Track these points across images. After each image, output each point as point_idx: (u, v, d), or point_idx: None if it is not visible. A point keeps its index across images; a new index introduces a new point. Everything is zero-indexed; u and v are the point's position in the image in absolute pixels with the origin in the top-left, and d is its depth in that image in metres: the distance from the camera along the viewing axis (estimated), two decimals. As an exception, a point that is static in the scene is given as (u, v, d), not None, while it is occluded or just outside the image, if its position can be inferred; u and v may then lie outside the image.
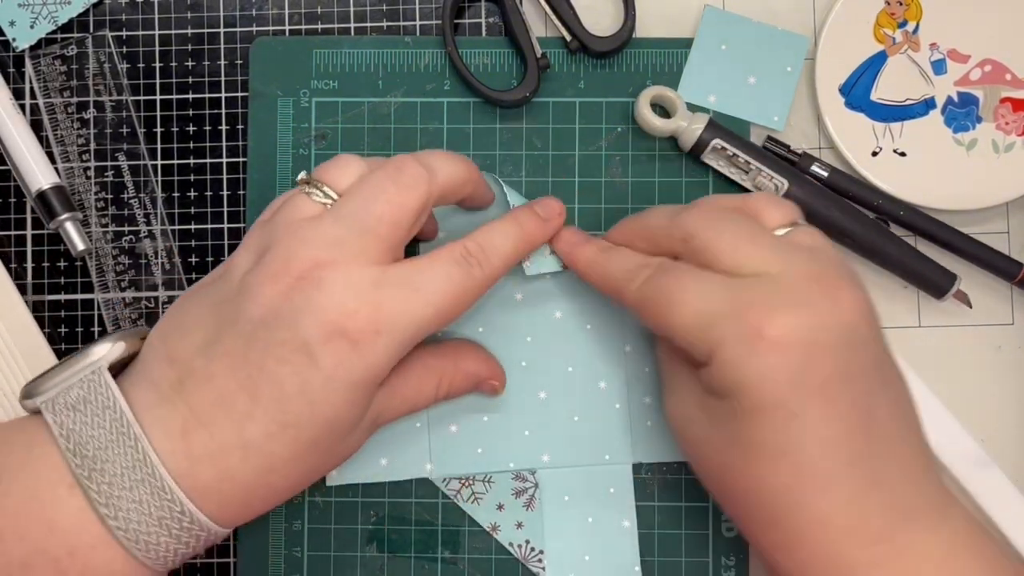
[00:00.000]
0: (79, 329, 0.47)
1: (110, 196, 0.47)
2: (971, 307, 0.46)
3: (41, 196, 0.46)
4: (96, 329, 0.47)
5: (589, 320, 0.46)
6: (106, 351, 0.37)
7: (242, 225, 0.47)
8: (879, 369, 0.36)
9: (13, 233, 0.48)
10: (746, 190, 0.46)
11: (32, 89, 0.48)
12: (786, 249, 0.37)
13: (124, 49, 0.48)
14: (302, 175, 0.39)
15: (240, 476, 0.36)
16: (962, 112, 0.46)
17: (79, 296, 0.48)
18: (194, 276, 0.47)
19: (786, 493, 0.35)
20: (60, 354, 0.47)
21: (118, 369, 0.38)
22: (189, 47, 0.48)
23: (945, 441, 0.45)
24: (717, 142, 0.45)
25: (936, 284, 0.45)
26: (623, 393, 0.45)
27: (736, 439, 0.36)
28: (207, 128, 0.48)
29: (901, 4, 0.46)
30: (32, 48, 0.48)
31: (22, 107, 0.48)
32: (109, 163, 0.48)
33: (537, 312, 0.46)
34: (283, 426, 0.36)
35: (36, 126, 0.47)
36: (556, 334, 0.46)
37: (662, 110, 0.46)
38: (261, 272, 0.37)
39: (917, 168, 0.46)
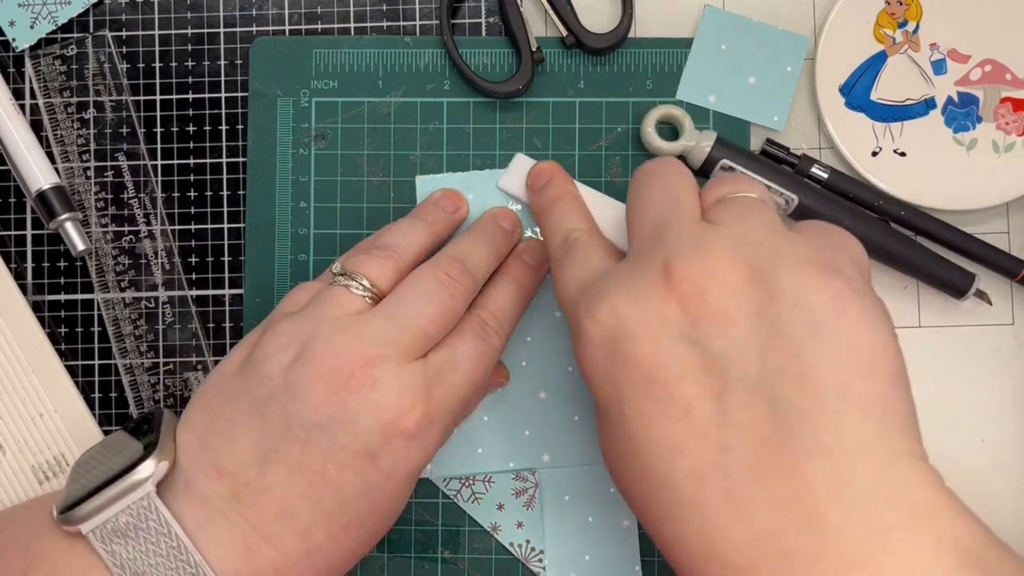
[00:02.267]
0: (79, 329, 0.47)
1: (110, 196, 0.47)
2: (991, 304, 0.46)
3: (41, 196, 0.46)
4: (96, 329, 0.47)
5: None
6: (151, 471, 0.35)
7: (242, 225, 0.47)
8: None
9: (13, 233, 0.48)
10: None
11: (32, 89, 0.48)
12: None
13: (124, 49, 0.48)
14: (336, 266, 0.40)
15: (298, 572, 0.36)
16: (962, 112, 0.46)
17: (79, 296, 0.48)
18: (194, 276, 0.47)
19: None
20: (60, 354, 0.47)
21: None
22: (189, 47, 0.48)
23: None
24: (725, 162, 0.44)
25: (955, 285, 0.45)
26: None
27: (608, 439, 0.35)
28: (207, 128, 0.48)
29: (901, 4, 0.46)
30: (32, 48, 0.48)
31: (22, 107, 0.48)
32: (109, 163, 0.48)
33: (537, 312, 0.46)
34: (346, 528, 0.36)
35: (36, 126, 0.47)
36: (556, 334, 0.46)
37: (669, 128, 0.46)
38: (309, 371, 0.35)
39: (917, 168, 0.46)
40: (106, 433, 0.47)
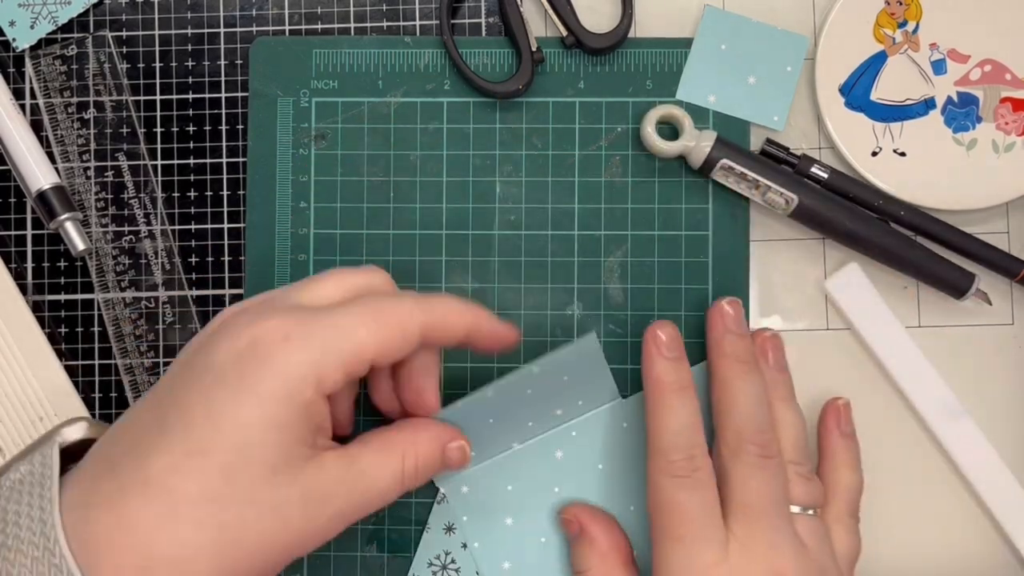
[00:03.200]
0: (79, 329, 0.47)
1: (110, 196, 0.47)
2: (991, 304, 0.46)
3: (41, 196, 0.46)
4: (96, 329, 0.47)
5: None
6: (65, 432, 0.37)
7: (242, 225, 0.47)
8: None
9: (13, 233, 0.48)
10: (756, 204, 0.45)
11: (32, 89, 0.48)
12: (782, 542, 0.39)
13: (124, 49, 0.48)
14: None
15: (136, 519, 0.32)
16: (962, 112, 0.46)
17: (79, 296, 0.48)
18: (194, 276, 0.47)
19: None
20: (60, 354, 0.47)
21: None
22: (189, 47, 0.48)
23: (920, 390, 0.46)
24: (725, 162, 0.44)
25: (955, 285, 0.45)
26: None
27: None
28: (207, 128, 0.48)
29: (901, 4, 0.46)
30: (32, 48, 0.48)
31: (22, 107, 0.48)
32: (109, 163, 0.48)
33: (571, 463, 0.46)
34: (188, 454, 0.32)
35: (36, 126, 0.47)
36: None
37: (669, 128, 0.46)
38: (196, 337, 0.37)
39: (917, 168, 0.46)
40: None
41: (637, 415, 0.45)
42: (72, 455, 0.37)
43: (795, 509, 0.41)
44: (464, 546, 0.45)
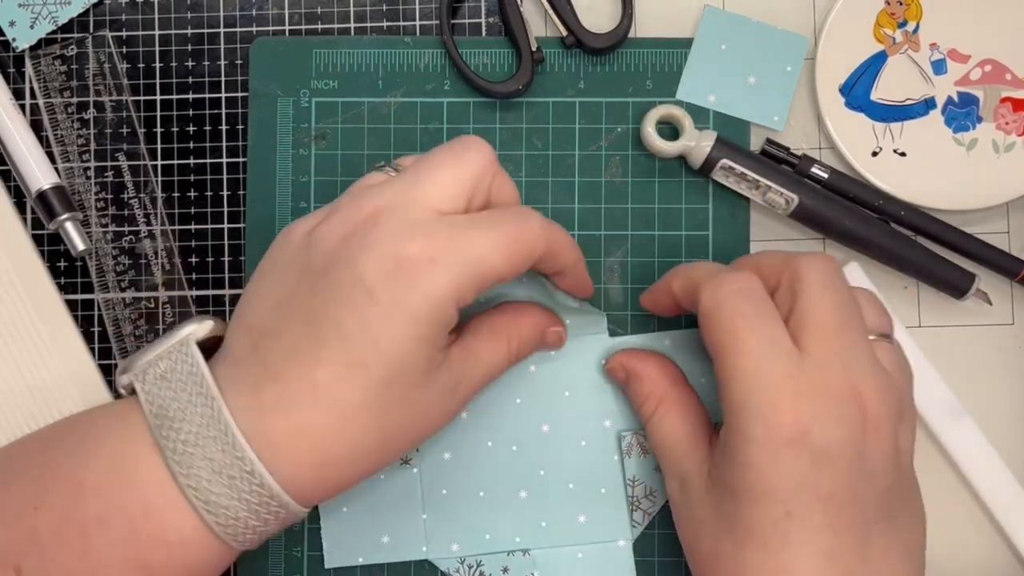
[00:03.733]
0: (79, 329, 0.47)
1: (110, 196, 0.47)
2: (991, 304, 0.46)
3: (41, 196, 0.46)
4: (96, 329, 0.47)
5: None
6: (194, 328, 0.39)
7: (242, 225, 0.47)
8: (889, 506, 0.37)
9: (13, 233, 0.48)
10: (756, 204, 0.45)
11: (32, 89, 0.48)
12: (860, 355, 0.37)
13: (124, 49, 0.48)
14: (378, 162, 0.41)
15: (312, 425, 0.36)
16: (962, 112, 0.46)
17: (79, 296, 0.48)
18: (194, 276, 0.47)
19: None
20: (60, 354, 0.47)
21: (211, 353, 0.39)
22: (189, 47, 0.48)
23: (921, 390, 0.45)
24: (725, 161, 0.44)
25: (956, 285, 0.45)
26: (617, 472, 0.46)
27: (731, 522, 0.37)
28: (207, 128, 0.48)
29: (901, 4, 0.46)
30: (32, 48, 0.48)
31: (22, 107, 0.48)
32: (109, 163, 0.48)
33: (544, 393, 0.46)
34: (350, 366, 0.35)
35: (36, 126, 0.47)
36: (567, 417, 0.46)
37: (669, 128, 0.46)
38: (324, 226, 0.37)
39: (917, 168, 0.46)
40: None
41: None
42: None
43: (873, 338, 0.38)
44: None
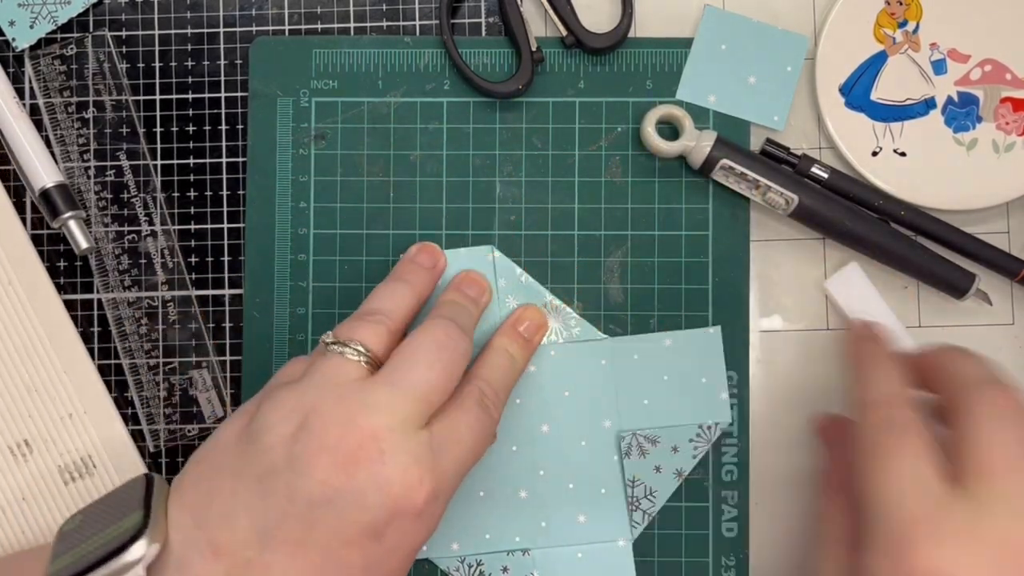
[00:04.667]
0: (79, 329, 0.47)
1: (111, 196, 0.48)
2: (991, 304, 0.46)
3: (45, 194, 0.46)
4: (96, 329, 0.47)
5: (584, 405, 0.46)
6: (141, 553, 0.33)
7: (241, 225, 0.47)
8: None
9: (14, 233, 0.48)
10: (756, 203, 0.45)
11: (32, 89, 0.48)
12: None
13: (124, 49, 0.48)
14: (328, 336, 0.38)
15: None
16: (962, 112, 0.46)
17: (79, 296, 0.48)
18: (194, 276, 0.47)
19: None
20: (61, 354, 0.47)
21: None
22: (189, 47, 0.48)
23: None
24: (725, 161, 0.44)
25: (956, 285, 0.45)
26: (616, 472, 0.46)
27: None
28: (207, 128, 0.48)
29: (901, 4, 0.46)
30: (32, 48, 0.48)
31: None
32: (109, 163, 0.48)
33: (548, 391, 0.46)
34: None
35: (36, 126, 0.47)
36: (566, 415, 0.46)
37: (669, 128, 0.46)
38: (313, 443, 0.34)
39: (917, 168, 0.46)
40: (133, 436, 0.47)
41: (617, 354, 0.46)
42: None
43: None
44: None
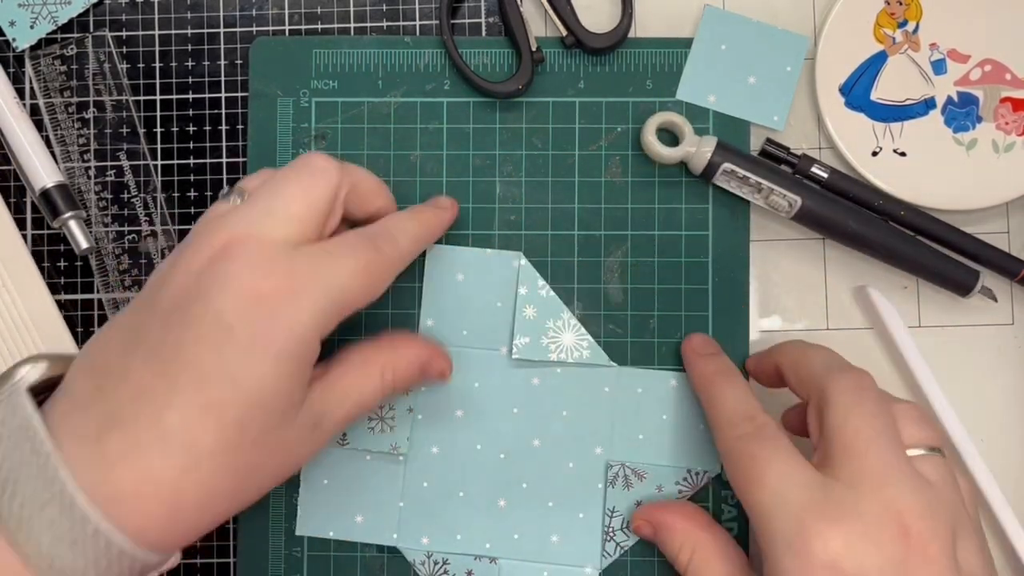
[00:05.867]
0: (79, 329, 0.47)
1: (111, 196, 0.48)
2: (996, 301, 0.46)
3: (45, 194, 0.46)
4: (96, 330, 0.47)
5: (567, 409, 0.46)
6: (25, 372, 0.35)
7: (242, 225, 0.47)
8: None
9: (14, 233, 0.48)
10: (757, 207, 0.45)
11: (32, 89, 0.48)
12: (896, 471, 0.35)
13: (124, 49, 0.48)
14: (223, 191, 0.39)
15: (161, 474, 0.33)
16: (962, 112, 0.46)
17: (79, 296, 0.48)
18: (194, 276, 0.48)
19: None
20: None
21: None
22: (189, 47, 0.48)
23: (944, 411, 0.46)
24: (727, 166, 0.44)
25: (960, 283, 0.45)
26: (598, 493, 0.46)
27: None
28: (207, 128, 0.48)
29: (901, 4, 0.46)
30: (32, 48, 0.48)
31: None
32: (110, 163, 0.48)
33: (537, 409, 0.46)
34: (204, 408, 0.33)
35: (36, 126, 0.47)
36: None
37: (669, 135, 0.46)
38: (178, 260, 0.36)
39: (917, 168, 0.46)
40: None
41: (621, 385, 0.46)
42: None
43: (917, 452, 0.37)
44: (409, 410, 0.46)
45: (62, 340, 0.46)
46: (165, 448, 0.33)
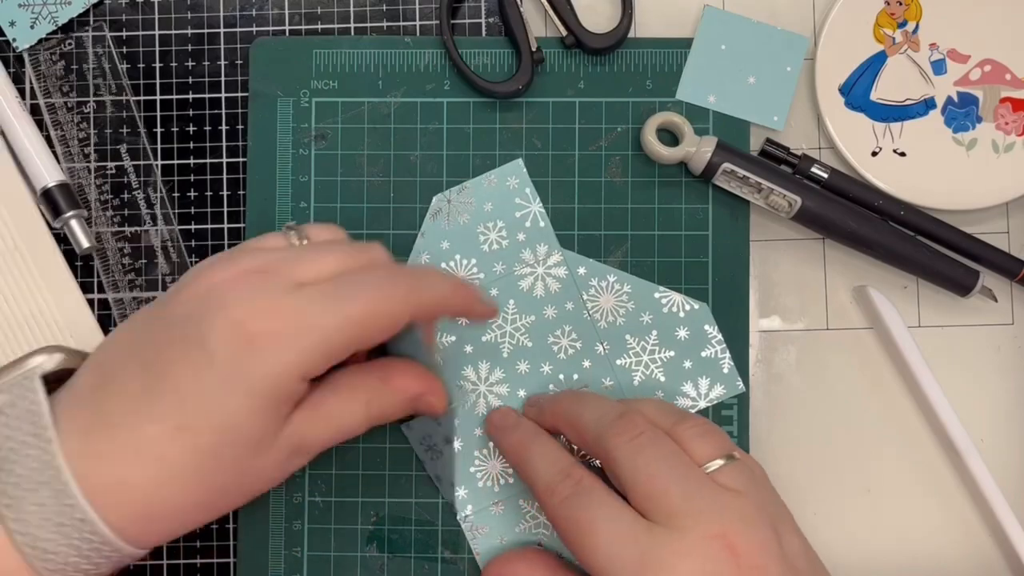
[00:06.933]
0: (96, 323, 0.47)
1: (112, 195, 0.48)
2: (996, 301, 0.46)
3: (46, 194, 0.46)
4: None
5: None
6: (41, 360, 0.37)
7: (242, 225, 0.47)
8: None
9: (14, 233, 0.48)
10: (757, 207, 0.45)
11: (33, 89, 0.48)
12: (701, 497, 0.36)
13: (124, 49, 0.48)
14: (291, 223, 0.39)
15: (135, 481, 0.34)
16: (962, 112, 0.46)
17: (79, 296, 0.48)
18: (194, 276, 0.48)
19: None
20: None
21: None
22: (189, 47, 0.48)
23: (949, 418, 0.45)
24: (727, 166, 0.44)
25: (960, 282, 0.45)
26: None
27: None
28: (207, 128, 0.48)
29: (901, 4, 0.46)
30: (32, 48, 0.48)
31: (22, 107, 0.48)
32: (111, 162, 0.48)
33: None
34: (179, 428, 0.34)
35: (37, 126, 0.47)
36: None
37: (669, 135, 0.46)
38: (199, 270, 0.37)
39: (917, 168, 0.46)
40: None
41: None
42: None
43: (714, 466, 0.37)
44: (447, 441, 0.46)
45: (96, 341, 0.46)
46: (140, 458, 0.34)
